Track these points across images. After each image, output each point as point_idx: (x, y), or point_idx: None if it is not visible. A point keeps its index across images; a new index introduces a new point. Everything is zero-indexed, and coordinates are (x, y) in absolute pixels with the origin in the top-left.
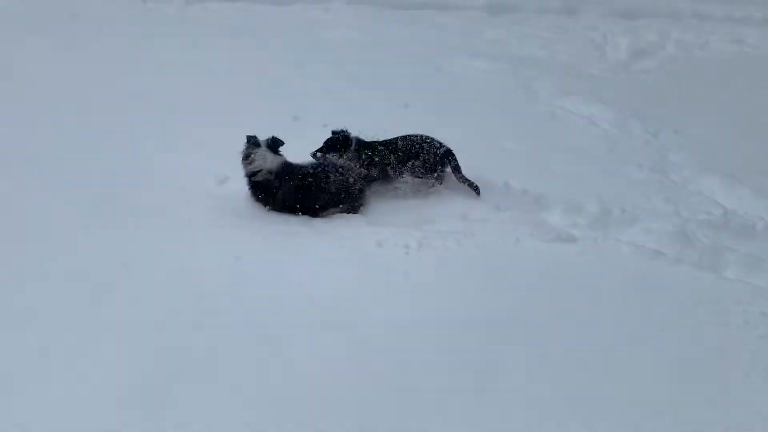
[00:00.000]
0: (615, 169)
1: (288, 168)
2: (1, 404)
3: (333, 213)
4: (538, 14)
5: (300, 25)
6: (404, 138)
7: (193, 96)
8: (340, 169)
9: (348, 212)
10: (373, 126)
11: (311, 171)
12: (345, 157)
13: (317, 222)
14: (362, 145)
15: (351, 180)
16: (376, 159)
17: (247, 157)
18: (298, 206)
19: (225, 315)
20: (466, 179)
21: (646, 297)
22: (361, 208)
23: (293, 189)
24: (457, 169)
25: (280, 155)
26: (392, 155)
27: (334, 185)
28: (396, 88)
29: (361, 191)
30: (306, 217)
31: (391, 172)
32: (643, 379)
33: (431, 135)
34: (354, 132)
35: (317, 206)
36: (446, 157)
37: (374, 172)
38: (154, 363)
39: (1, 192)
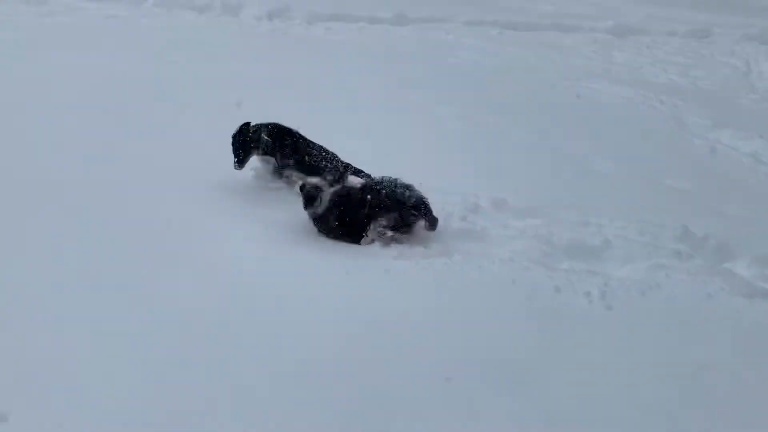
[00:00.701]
0: None
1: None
2: None
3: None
4: (666, 37)
5: (422, 48)
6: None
7: (326, 116)
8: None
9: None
10: (515, 157)
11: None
12: None
13: None
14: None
15: None
16: None
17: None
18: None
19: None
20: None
21: None
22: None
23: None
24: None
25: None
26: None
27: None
28: (534, 115)
29: None
30: None
31: None
32: None
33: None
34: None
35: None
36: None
37: None
38: None
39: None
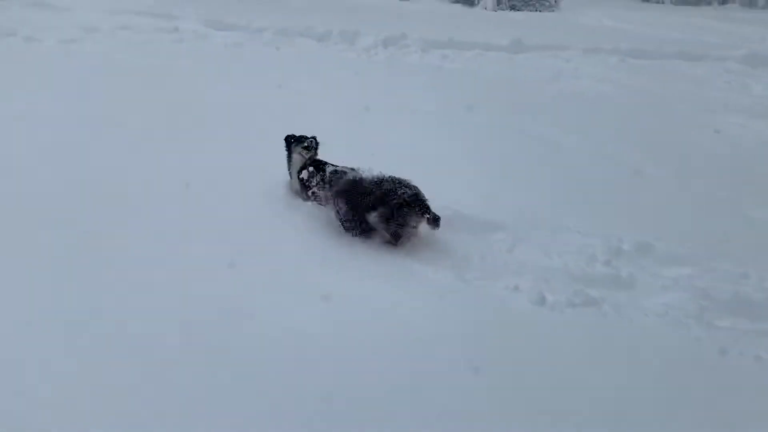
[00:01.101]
0: None
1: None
2: None
3: None
4: None
5: (541, 75)
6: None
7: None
8: None
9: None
10: (656, 197)
11: None
12: None
13: None
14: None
15: None
16: None
17: None
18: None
19: None
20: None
21: None
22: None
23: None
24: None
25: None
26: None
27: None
28: (670, 153)
29: None
30: None
31: None
32: None
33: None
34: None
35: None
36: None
37: None
38: None
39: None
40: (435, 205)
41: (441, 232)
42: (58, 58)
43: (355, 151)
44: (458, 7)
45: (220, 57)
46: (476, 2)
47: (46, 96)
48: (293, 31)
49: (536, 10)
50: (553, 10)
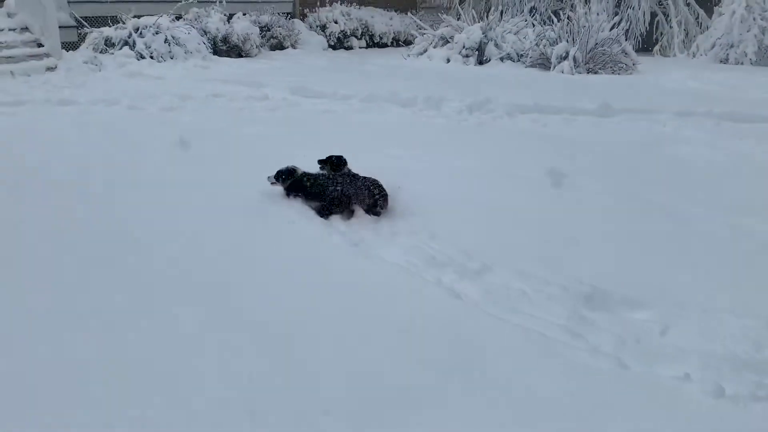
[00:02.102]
0: None
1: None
2: None
3: None
4: None
5: (640, 140)
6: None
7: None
8: None
9: None
10: None
11: None
12: None
13: None
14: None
15: None
16: None
17: None
18: None
19: None
20: None
21: None
22: None
23: None
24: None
25: None
26: None
27: None
28: None
29: None
30: None
31: None
32: None
33: None
34: None
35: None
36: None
37: None
38: None
39: None
40: (563, 277)
41: (578, 307)
42: (161, 124)
43: (471, 218)
44: (534, 71)
45: (313, 123)
46: (552, 66)
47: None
48: (379, 97)
49: (614, 73)
50: (631, 73)
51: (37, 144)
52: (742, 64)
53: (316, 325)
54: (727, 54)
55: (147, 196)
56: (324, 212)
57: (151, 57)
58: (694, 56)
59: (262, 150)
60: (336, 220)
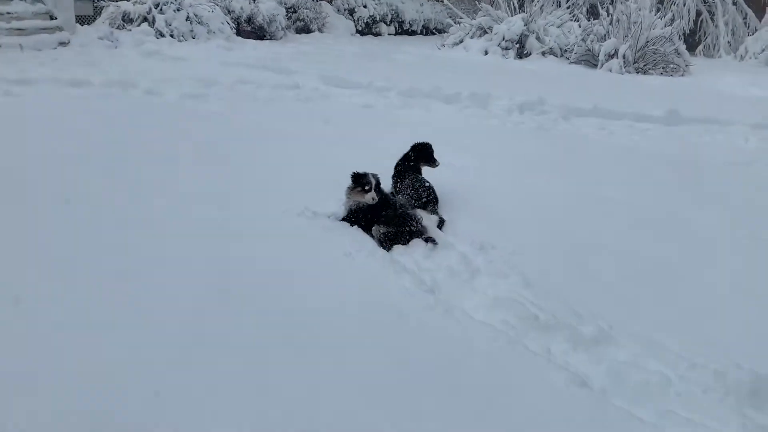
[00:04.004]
0: None
1: None
2: None
3: None
4: None
5: (728, 159)
6: None
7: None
8: None
9: None
10: None
11: None
12: None
13: None
14: None
15: None
16: None
17: None
18: None
19: None
20: None
21: None
22: None
23: None
24: None
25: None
26: None
27: None
28: None
29: None
30: None
31: None
32: None
33: None
34: None
35: None
36: None
37: None
38: None
39: None
40: (709, 354)
41: (744, 407)
42: (184, 114)
43: (566, 259)
44: (579, 68)
45: (353, 119)
46: (600, 64)
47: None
48: (419, 92)
49: (665, 74)
50: (683, 75)
51: (34, 141)
52: None
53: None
54: None
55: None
56: (389, 245)
57: (171, 35)
58: (741, 59)
59: (303, 151)
60: (397, 250)
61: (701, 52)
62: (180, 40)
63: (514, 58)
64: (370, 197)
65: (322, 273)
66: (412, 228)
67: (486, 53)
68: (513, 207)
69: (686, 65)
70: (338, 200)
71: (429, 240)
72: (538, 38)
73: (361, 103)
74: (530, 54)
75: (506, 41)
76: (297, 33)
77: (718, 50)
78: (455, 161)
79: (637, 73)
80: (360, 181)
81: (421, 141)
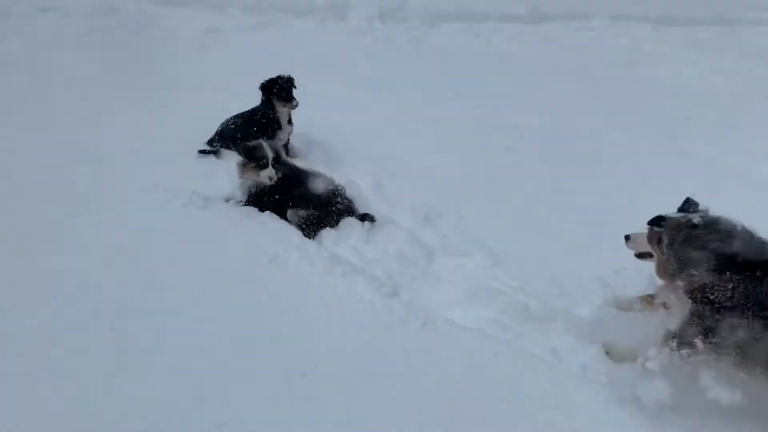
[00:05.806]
0: None
1: None
2: None
3: None
4: None
5: (607, 61)
6: None
7: None
8: None
9: None
10: None
11: None
12: None
13: None
14: None
15: None
16: None
17: None
18: None
19: None
20: None
21: None
22: None
23: None
24: None
25: None
26: None
27: None
28: None
29: None
30: None
31: None
32: None
33: None
34: None
35: None
36: None
37: None
38: None
39: None
40: None
41: None
42: None
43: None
44: None
45: (197, 50)
46: None
47: None
48: (267, 4)
49: None
50: None
51: None
52: None
53: None
54: None
55: None
56: (315, 230)
57: None
58: None
59: (138, 110)
60: (328, 238)
61: None
62: None
63: None
64: (267, 175)
65: (252, 301)
66: (338, 206)
67: None
68: (430, 152)
69: None
70: (228, 175)
71: (366, 217)
72: None
73: (203, 26)
74: None
75: None
76: None
77: None
78: (338, 96)
79: None
80: (253, 154)
81: (272, 76)
